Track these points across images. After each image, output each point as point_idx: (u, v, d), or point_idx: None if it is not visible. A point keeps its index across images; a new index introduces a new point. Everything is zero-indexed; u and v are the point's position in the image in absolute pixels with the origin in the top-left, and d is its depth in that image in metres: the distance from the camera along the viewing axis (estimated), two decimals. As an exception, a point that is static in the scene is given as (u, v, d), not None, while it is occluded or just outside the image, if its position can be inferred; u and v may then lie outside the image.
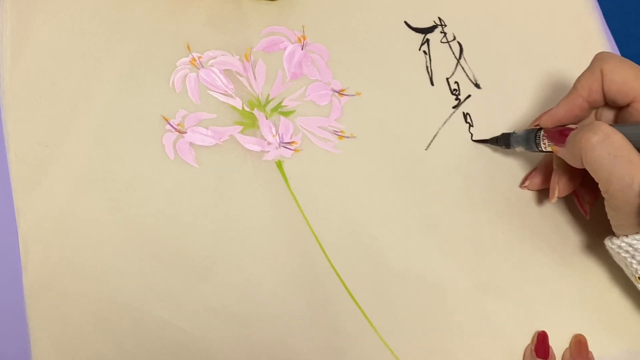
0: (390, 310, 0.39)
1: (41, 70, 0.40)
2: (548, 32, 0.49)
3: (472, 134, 0.44)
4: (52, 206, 0.38)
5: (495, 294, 0.41)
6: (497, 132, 0.44)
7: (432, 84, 0.46)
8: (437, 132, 0.44)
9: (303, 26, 0.45)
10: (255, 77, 0.43)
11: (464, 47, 0.47)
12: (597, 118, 0.40)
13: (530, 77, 0.47)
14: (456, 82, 0.46)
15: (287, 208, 0.40)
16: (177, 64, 0.42)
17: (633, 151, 0.34)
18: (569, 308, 0.41)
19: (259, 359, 0.37)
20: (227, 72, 0.43)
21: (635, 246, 0.35)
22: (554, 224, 0.43)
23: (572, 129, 0.37)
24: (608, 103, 0.38)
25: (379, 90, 0.44)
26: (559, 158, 0.39)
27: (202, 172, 0.40)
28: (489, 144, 0.44)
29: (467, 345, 0.39)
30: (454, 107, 0.45)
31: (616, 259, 0.38)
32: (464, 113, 0.45)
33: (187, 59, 0.43)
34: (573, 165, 0.37)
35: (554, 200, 0.40)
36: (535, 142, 0.40)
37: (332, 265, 0.39)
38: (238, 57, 0.43)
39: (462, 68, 0.46)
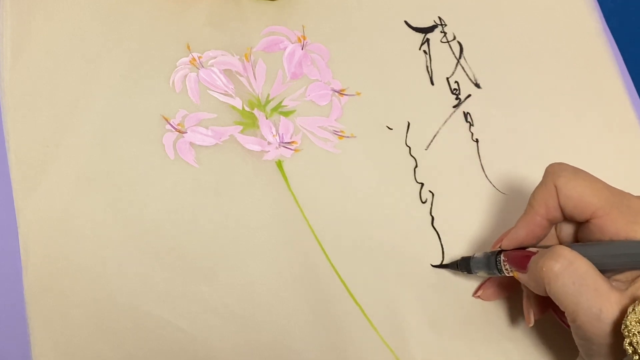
0: (390, 310, 0.39)
1: (41, 70, 0.40)
2: (548, 32, 0.49)
3: (442, 261, 0.41)
4: (52, 206, 0.38)
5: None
6: (498, 132, 0.44)
7: (432, 83, 0.46)
8: (437, 132, 0.44)
9: (303, 26, 0.45)
10: (255, 77, 0.43)
11: (464, 46, 0.47)
12: (557, 233, 0.37)
13: (530, 76, 0.47)
14: (456, 82, 0.46)
15: (287, 208, 0.40)
16: (177, 63, 0.42)
17: (599, 277, 0.31)
18: None
19: (259, 358, 0.37)
20: (227, 72, 0.43)
21: None
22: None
23: (533, 253, 0.34)
24: (567, 218, 0.35)
25: (379, 90, 0.44)
26: None
27: (202, 172, 0.40)
28: (449, 269, 0.40)
29: (467, 345, 0.39)
30: (454, 107, 0.45)
31: None
32: (464, 112, 0.45)
33: (187, 59, 0.43)
34: (538, 294, 0.34)
35: (531, 324, 0.36)
36: (497, 267, 0.36)
37: (332, 265, 0.39)
38: (238, 57, 0.43)
39: (462, 68, 0.46)
